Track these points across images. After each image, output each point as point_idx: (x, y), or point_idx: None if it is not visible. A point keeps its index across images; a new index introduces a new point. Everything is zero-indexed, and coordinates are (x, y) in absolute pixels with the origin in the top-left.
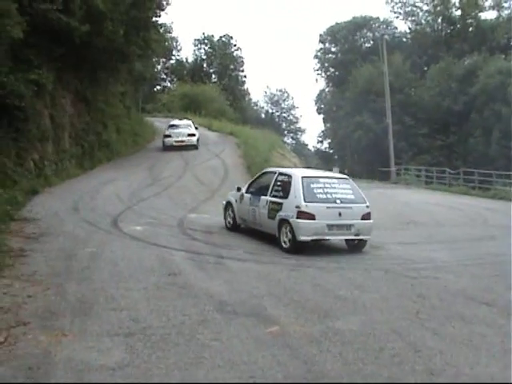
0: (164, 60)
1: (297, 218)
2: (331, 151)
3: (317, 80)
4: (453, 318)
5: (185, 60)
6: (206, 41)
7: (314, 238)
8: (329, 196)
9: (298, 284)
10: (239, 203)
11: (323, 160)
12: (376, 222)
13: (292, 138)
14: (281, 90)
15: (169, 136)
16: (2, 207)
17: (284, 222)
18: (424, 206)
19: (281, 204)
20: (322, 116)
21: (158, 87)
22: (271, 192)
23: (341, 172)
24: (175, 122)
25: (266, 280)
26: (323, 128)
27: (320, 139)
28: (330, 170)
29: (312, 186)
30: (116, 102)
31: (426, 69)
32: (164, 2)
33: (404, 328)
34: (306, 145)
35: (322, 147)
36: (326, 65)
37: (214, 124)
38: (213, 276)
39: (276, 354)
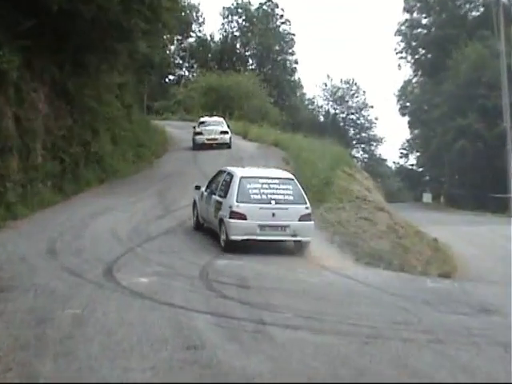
0: (179, 38)
1: (229, 217)
2: (420, 169)
3: (400, 66)
4: None
5: (209, 38)
6: (239, 10)
7: (245, 237)
8: (264, 197)
9: (374, 364)
10: (200, 201)
11: (409, 181)
12: (487, 273)
13: (364, 150)
14: (347, 82)
15: (200, 133)
16: None
17: (221, 221)
18: None
19: (221, 203)
20: (407, 119)
21: (172, 77)
22: (218, 191)
23: (433, 200)
24: (205, 118)
25: (327, 357)
26: (409, 136)
27: (404, 152)
28: (420, 199)
29: (248, 186)
30: (111, 98)
31: None
32: None
33: None
34: (384, 160)
35: (407, 163)
36: (414, 44)
37: (252, 130)
38: (250, 350)
39: None
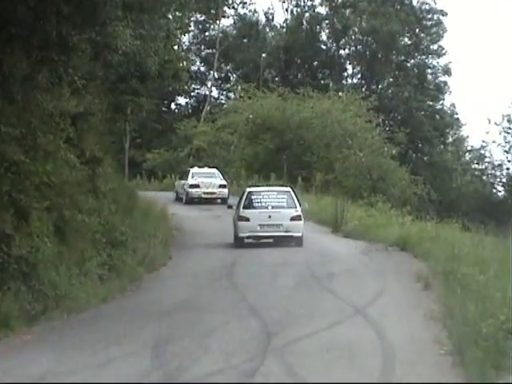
0: (202, 19)
1: (237, 220)
2: None
3: None
4: None
5: (263, 20)
6: None
7: (249, 234)
8: (263, 204)
9: None
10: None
11: None
12: None
13: None
14: None
15: (196, 186)
16: None
17: (234, 223)
18: None
19: (235, 211)
20: None
21: (183, 101)
22: (238, 204)
23: None
24: (197, 169)
25: None
26: None
27: None
28: None
29: (253, 196)
30: (56, 144)
31: None
32: None
33: None
34: None
35: None
36: None
37: (352, 215)
38: None
39: None
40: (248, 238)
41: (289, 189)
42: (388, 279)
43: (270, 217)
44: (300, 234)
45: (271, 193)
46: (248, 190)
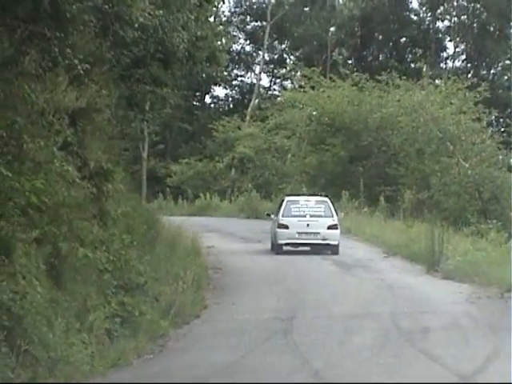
0: None
1: (277, 227)
2: None
3: None
4: None
5: None
6: None
7: (288, 241)
8: (301, 212)
9: None
10: (272, 224)
11: None
12: None
13: None
14: None
15: None
16: None
17: (273, 231)
18: None
19: (274, 219)
20: None
21: (222, 93)
22: (275, 212)
23: None
24: None
25: None
26: None
27: None
28: None
29: (291, 205)
30: (48, 153)
31: None
32: None
33: None
34: None
35: None
36: None
37: (455, 247)
38: None
39: None
40: (286, 244)
41: (326, 199)
42: (504, 337)
43: (308, 225)
44: (336, 243)
45: (309, 202)
46: (287, 198)
